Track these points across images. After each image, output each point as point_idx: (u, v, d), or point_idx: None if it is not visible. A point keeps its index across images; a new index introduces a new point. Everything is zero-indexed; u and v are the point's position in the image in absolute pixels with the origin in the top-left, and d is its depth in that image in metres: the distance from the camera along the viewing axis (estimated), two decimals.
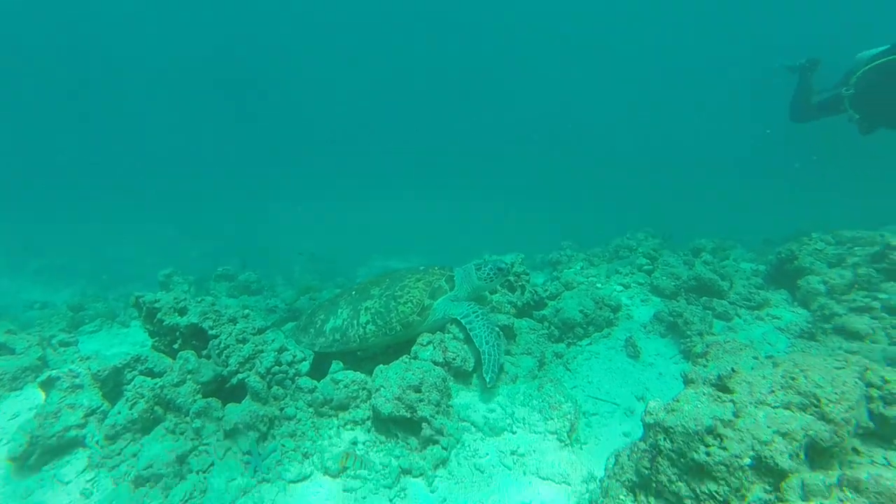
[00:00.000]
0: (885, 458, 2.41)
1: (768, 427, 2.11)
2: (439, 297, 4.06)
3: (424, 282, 4.08)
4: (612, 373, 4.17)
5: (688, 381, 3.14)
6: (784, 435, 2.08)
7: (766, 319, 4.84)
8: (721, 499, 2.00)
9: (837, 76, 7.04)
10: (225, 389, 3.75)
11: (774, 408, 2.24)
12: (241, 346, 3.90)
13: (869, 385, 2.52)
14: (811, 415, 2.18)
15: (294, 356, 3.98)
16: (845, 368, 2.44)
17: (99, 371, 3.64)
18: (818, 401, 2.19)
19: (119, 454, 3.11)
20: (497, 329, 3.80)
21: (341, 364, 4.51)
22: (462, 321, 3.81)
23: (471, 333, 3.68)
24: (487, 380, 3.46)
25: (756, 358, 3.32)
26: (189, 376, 3.58)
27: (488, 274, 4.21)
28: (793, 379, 2.33)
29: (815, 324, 4.37)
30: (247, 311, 4.31)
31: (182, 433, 3.30)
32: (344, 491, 2.86)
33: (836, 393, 2.20)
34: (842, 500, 1.87)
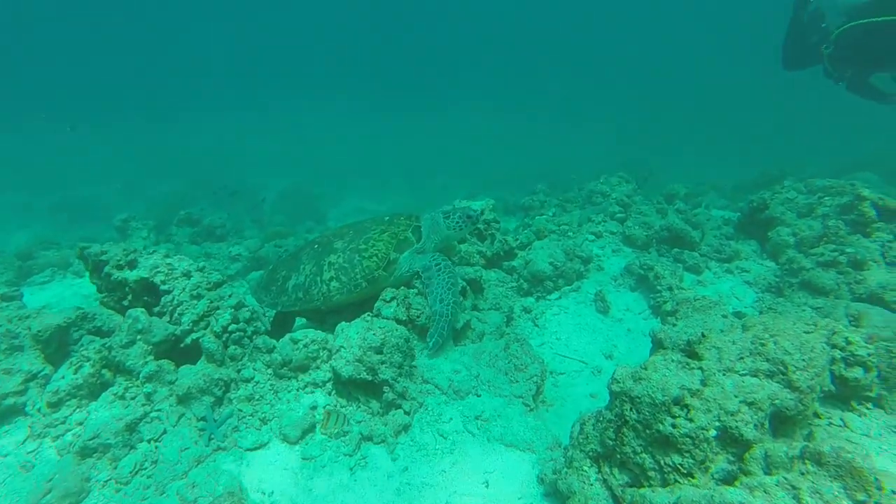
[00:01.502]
0: (842, 420, 2.43)
1: (735, 396, 2.05)
2: (406, 249, 3.88)
3: (390, 233, 3.88)
4: (580, 329, 4.12)
5: (656, 342, 3.09)
6: (750, 404, 2.03)
7: (736, 273, 4.83)
8: (685, 471, 1.96)
9: None
10: (179, 350, 3.57)
11: (742, 375, 2.19)
12: (196, 302, 3.68)
13: (832, 346, 2.50)
14: (778, 382, 2.13)
15: (253, 312, 3.79)
16: (814, 332, 2.38)
17: (40, 331, 3.39)
18: (786, 368, 2.13)
19: (63, 422, 2.94)
20: (460, 284, 3.67)
21: (304, 320, 4.36)
22: (421, 274, 3.67)
23: (426, 289, 3.55)
24: (430, 345, 3.38)
25: (724, 316, 3.29)
26: (139, 336, 3.37)
27: (457, 223, 4.03)
28: (762, 345, 2.26)
29: (783, 278, 4.38)
30: (203, 263, 4.07)
31: (132, 398, 3.13)
32: (303, 459, 2.77)
33: (803, 360, 2.15)
34: (803, 473, 1.84)
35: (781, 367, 2.14)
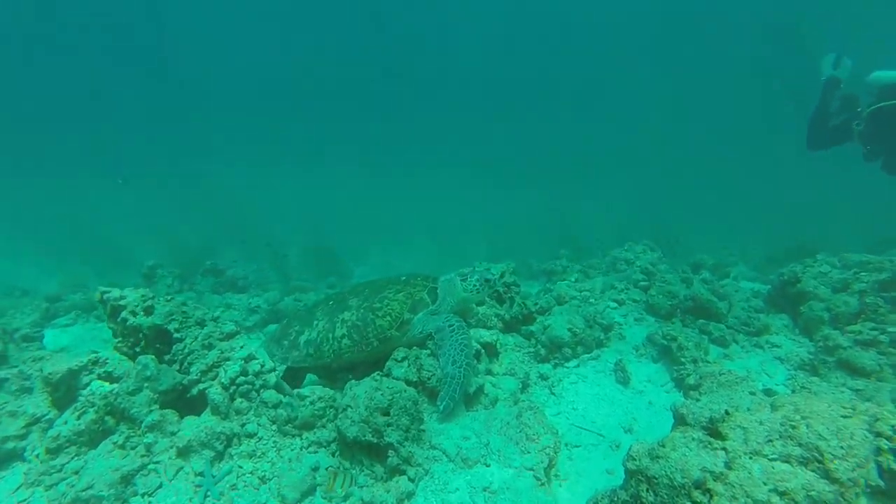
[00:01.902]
0: None
1: (764, 484, 1.87)
2: (420, 310, 3.83)
3: (405, 293, 3.85)
4: (599, 399, 3.92)
5: (678, 417, 2.90)
6: (782, 494, 1.84)
7: (765, 347, 4.58)
8: None
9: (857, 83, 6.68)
10: (185, 400, 3.51)
11: (771, 460, 2.01)
12: (207, 352, 3.66)
13: (877, 435, 2.29)
14: (813, 471, 1.94)
15: (262, 365, 3.73)
16: (853, 417, 2.20)
17: (51, 374, 3.40)
18: (822, 455, 1.95)
19: (59, 470, 2.87)
20: (474, 347, 3.57)
21: (315, 377, 4.27)
22: (434, 335, 3.59)
23: (438, 350, 3.46)
24: (441, 409, 3.24)
25: (752, 393, 3.08)
26: (146, 384, 3.34)
27: (474, 286, 3.99)
28: (793, 427, 2.09)
29: (817, 356, 4.12)
30: (218, 313, 4.08)
31: (133, 448, 3.06)
32: None
33: (842, 447, 1.97)
34: None
35: (817, 454, 1.95)
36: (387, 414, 2.99)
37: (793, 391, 3.67)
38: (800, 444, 2.00)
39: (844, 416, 2.14)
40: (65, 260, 14.05)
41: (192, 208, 20.24)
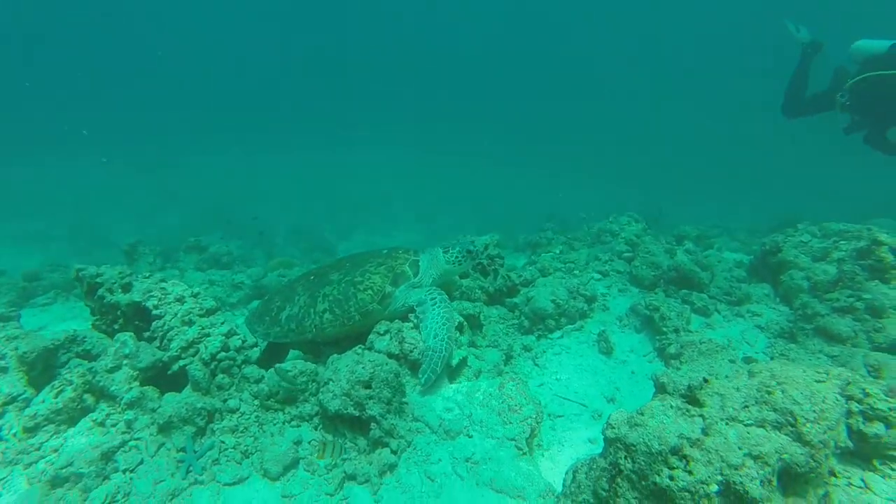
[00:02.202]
0: (863, 480, 2.23)
1: (739, 448, 1.89)
2: (402, 283, 3.79)
3: (386, 266, 3.81)
4: (582, 370, 3.95)
5: (659, 386, 2.93)
6: (756, 458, 1.87)
7: (746, 316, 4.64)
8: None
9: (835, 60, 6.67)
10: (167, 377, 3.48)
11: (747, 425, 2.03)
12: (186, 328, 3.61)
13: (849, 398, 2.33)
14: (786, 435, 1.97)
15: (244, 341, 3.72)
16: (826, 381, 2.22)
17: (26, 352, 3.32)
18: (795, 419, 1.98)
19: (38, 449, 2.83)
20: (457, 319, 3.56)
21: (299, 352, 4.25)
22: (416, 309, 3.57)
23: (421, 323, 3.44)
24: (422, 381, 3.25)
25: (732, 361, 3.12)
26: (125, 361, 3.30)
27: (456, 257, 3.96)
28: (769, 393, 2.11)
29: (796, 323, 4.18)
30: (198, 289, 4.01)
31: (113, 426, 3.03)
32: (283, 497, 2.63)
33: (814, 411, 1.99)
34: None
35: (790, 418, 1.98)
36: (368, 387, 2.98)
37: (771, 358, 3.73)
38: (774, 409, 2.02)
39: (818, 381, 2.16)
40: (47, 242, 13.79)
41: (179, 192, 19.87)
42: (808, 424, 1.94)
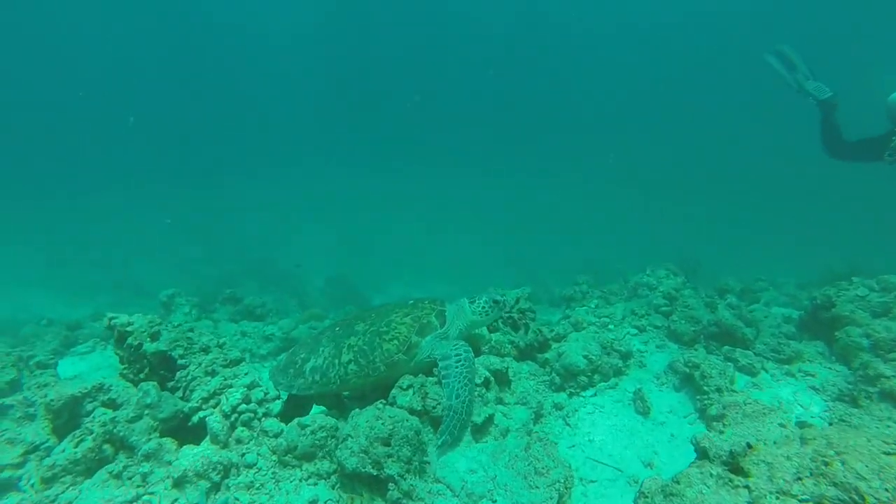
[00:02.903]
0: None
1: None
2: (428, 333, 3.69)
3: (412, 317, 3.73)
4: (617, 431, 3.69)
5: (700, 451, 2.68)
6: None
7: (798, 376, 4.27)
8: None
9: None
10: (188, 428, 3.44)
11: (801, 501, 1.80)
12: (209, 378, 3.60)
13: None
14: None
15: (266, 393, 3.65)
16: None
17: (53, 400, 3.37)
18: (862, 498, 1.74)
19: (53, 501, 2.80)
20: (483, 375, 3.43)
21: (324, 407, 4.14)
22: (439, 364, 3.44)
23: (443, 381, 3.31)
24: (440, 443, 3.09)
25: (783, 425, 2.84)
26: (147, 411, 3.28)
27: (483, 307, 3.84)
28: (826, 464, 1.88)
29: (857, 385, 3.80)
30: (224, 339, 4.03)
31: (129, 478, 2.98)
32: None
33: (886, 489, 1.75)
34: None
35: (854, 497, 1.74)
36: (388, 444, 2.84)
37: (830, 424, 3.38)
38: (834, 483, 1.79)
39: (887, 454, 1.92)
40: (94, 291, 14.46)
41: (217, 241, 20.68)
42: None
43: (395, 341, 3.59)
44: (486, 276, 16.54)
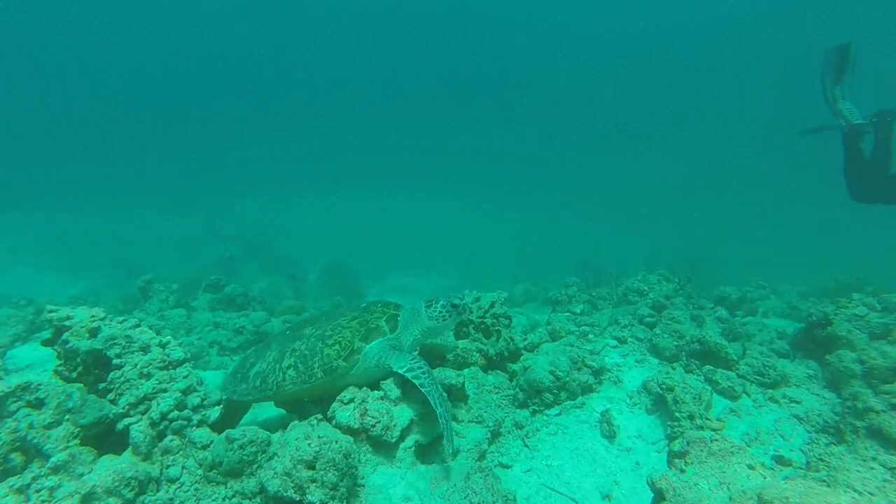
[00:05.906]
0: None
1: None
2: (374, 339, 3.37)
3: (360, 321, 3.45)
4: (578, 456, 3.40)
5: (657, 492, 2.40)
6: None
7: (782, 402, 3.93)
8: None
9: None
10: (116, 435, 3.20)
11: None
12: (142, 381, 3.35)
13: None
14: None
15: (203, 398, 3.41)
16: None
17: None
18: None
19: None
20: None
21: (284, 411, 3.89)
22: (408, 376, 3.11)
23: (424, 392, 2.96)
24: (450, 451, 2.92)
25: (752, 467, 2.53)
26: (67, 416, 3.05)
27: (440, 312, 3.48)
28: None
29: (844, 417, 3.46)
30: (168, 337, 3.77)
31: (36, 492, 2.74)
32: None
33: None
34: None
35: None
36: (312, 468, 2.58)
37: (808, 464, 3.06)
38: None
39: None
40: (85, 272, 14.37)
41: (223, 227, 20.57)
42: None
43: (337, 346, 3.31)
44: (489, 271, 16.27)
